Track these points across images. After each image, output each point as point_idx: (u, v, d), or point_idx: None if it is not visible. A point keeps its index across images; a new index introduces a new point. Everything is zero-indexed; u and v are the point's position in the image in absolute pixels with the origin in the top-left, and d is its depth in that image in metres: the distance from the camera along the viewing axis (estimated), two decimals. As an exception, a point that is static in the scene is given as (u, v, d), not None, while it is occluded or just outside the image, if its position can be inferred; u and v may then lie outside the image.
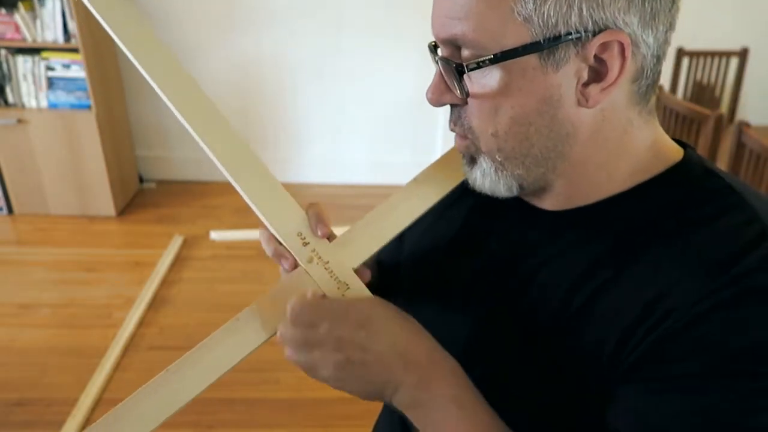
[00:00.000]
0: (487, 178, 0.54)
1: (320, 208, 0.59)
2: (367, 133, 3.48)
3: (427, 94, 0.53)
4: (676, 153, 0.54)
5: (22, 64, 2.81)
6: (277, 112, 3.41)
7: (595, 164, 0.52)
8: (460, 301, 0.62)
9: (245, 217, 3.12)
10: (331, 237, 0.59)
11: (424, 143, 3.49)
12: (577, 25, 0.45)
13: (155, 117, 3.35)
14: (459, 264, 0.64)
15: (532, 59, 0.46)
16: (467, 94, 0.50)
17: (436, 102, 0.53)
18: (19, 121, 2.86)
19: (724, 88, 3.40)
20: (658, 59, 0.49)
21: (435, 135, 3.48)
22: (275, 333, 0.55)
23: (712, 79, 3.36)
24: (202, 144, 0.58)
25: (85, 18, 2.73)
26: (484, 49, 0.47)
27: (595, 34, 0.45)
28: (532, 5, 0.45)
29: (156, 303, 2.43)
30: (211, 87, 3.28)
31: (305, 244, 0.57)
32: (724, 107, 3.41)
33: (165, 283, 2.56)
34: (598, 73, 0.47)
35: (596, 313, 0.50)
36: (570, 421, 0.50)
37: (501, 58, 0.46)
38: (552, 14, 0.44)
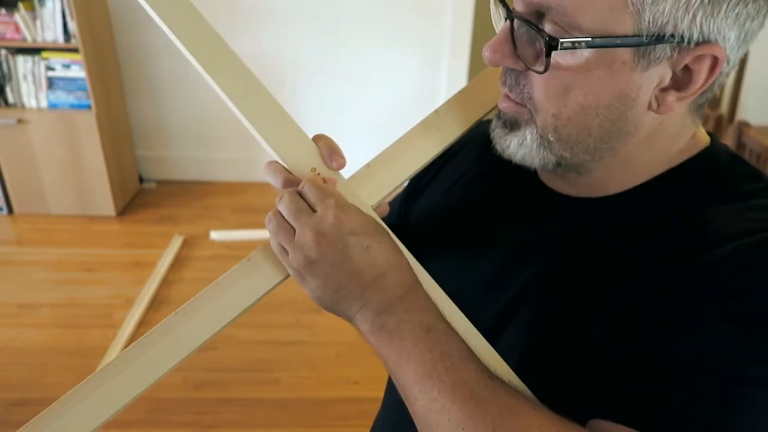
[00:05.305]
0: (523, 149, 0.51)
1: (330, 140, 0.56)
2: (366, 132, 3.48)
3: (485, 51, 0.48)
4: (705, 139, 0.54)
5: (22, 64, 2.81)
6: (277, 112, 3.40)
7: (640, 161, 0.52)
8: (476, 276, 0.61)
9: (245, 217, 3.12)
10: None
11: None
12: (685, 30, 0.42)
13: (155, 117, 3.35)
14: (473, 242, 0.62)
15: (625, 53, 0.44)
16: (545, 70, 0.45)
17: (496, 63, 0.49)
18: (19, 121, 2.86)
19: (724, 88, 3.40)
20: (726, 75, 0.48)
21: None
22: (288, 275, 0.53)
23: (712, 79, 3.36)
24: (206, 76, 0.55)
25: (85, 18, 2.73)
26: (577, 28, 0.43)
27: (697, 44, 0.43)
28: None
29: (156, 303, 2.43)
30: (210, 86, 3.28)
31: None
32: (724, 107, 3.41)
33: (165, 283, 2.56)
34: (679, 81, 0.46)
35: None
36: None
37: (599, 44, 0.43)
38: (666, 13, 0.42)
